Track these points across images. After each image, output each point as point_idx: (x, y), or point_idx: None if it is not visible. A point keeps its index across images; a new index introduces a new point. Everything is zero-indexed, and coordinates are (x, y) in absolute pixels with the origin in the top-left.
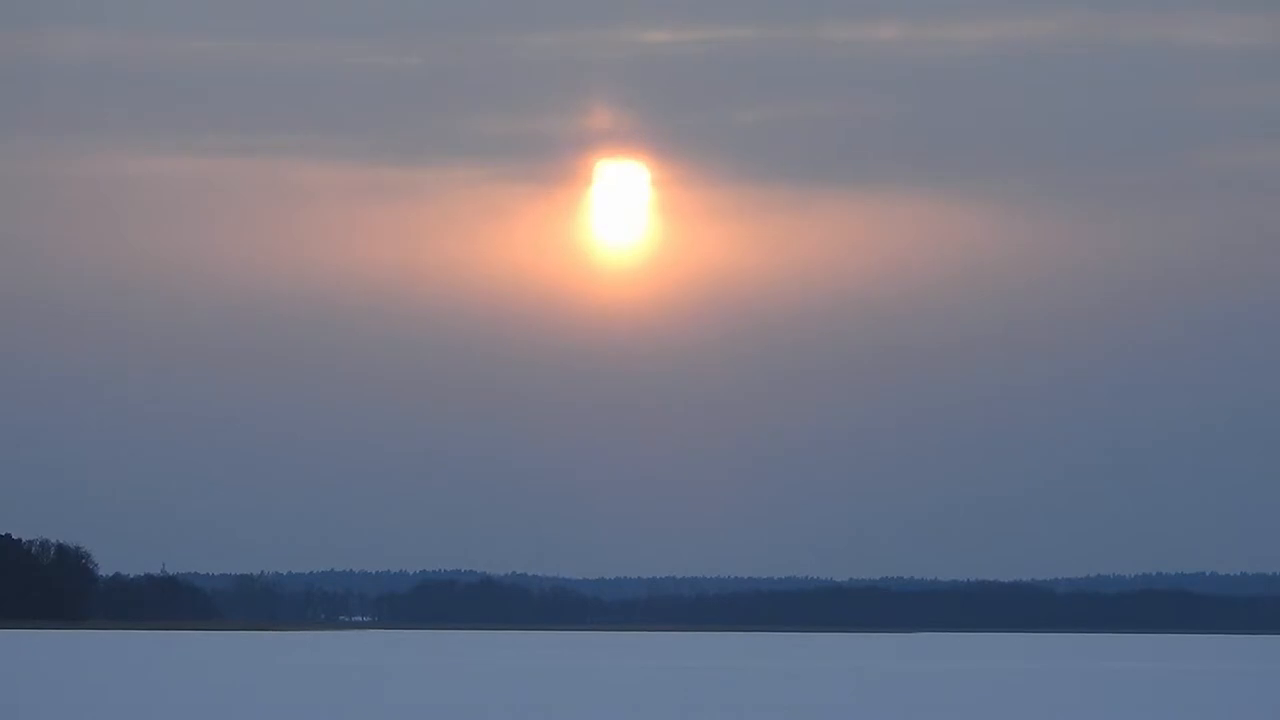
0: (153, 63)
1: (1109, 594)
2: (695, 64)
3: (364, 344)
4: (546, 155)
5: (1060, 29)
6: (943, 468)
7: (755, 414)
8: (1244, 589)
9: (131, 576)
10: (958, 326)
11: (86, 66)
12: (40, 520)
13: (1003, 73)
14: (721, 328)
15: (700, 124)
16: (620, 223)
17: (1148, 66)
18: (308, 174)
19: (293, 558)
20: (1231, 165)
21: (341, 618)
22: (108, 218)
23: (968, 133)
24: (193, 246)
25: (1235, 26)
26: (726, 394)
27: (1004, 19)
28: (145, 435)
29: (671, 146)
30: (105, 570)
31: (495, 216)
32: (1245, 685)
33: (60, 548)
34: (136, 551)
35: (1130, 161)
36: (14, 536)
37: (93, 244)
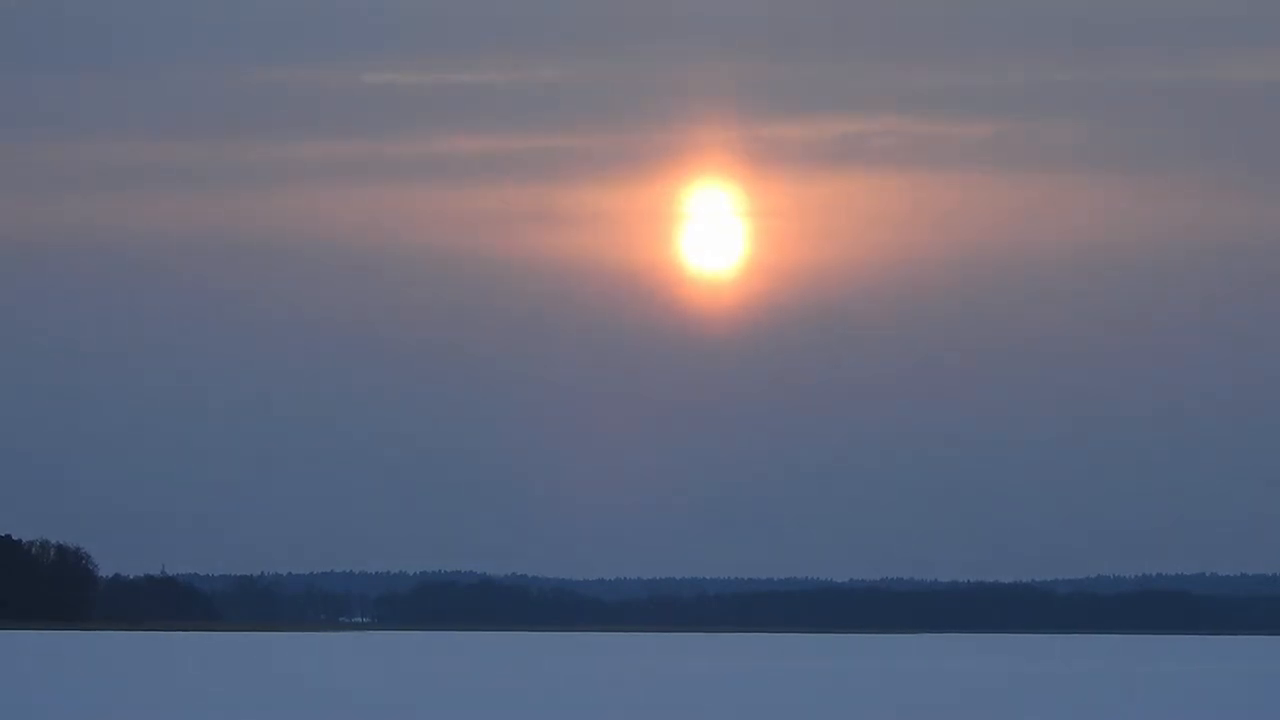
0: None
1: (1109, 594)
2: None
3: (364, 344)
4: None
5: None
6: (943, 468)
7: (755, 415)
8: (1244, 589)
9: (131, 577)
10: (959, 331)
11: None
12: (40, 520)
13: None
14: (720, 329)
15: (786, 133)
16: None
17: None
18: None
19: (293, 558)
20: None
21: (341, 619)
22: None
23: (1059, 146)
24: (195, 240)
25: None
26: (725, 395)
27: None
28: (145, 435)
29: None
30: (105, 571)
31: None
32: (1245, 685)
33: (60, 548)
34: (136, 552)
35: None
36: (14, 537)
37: (93, 237)
